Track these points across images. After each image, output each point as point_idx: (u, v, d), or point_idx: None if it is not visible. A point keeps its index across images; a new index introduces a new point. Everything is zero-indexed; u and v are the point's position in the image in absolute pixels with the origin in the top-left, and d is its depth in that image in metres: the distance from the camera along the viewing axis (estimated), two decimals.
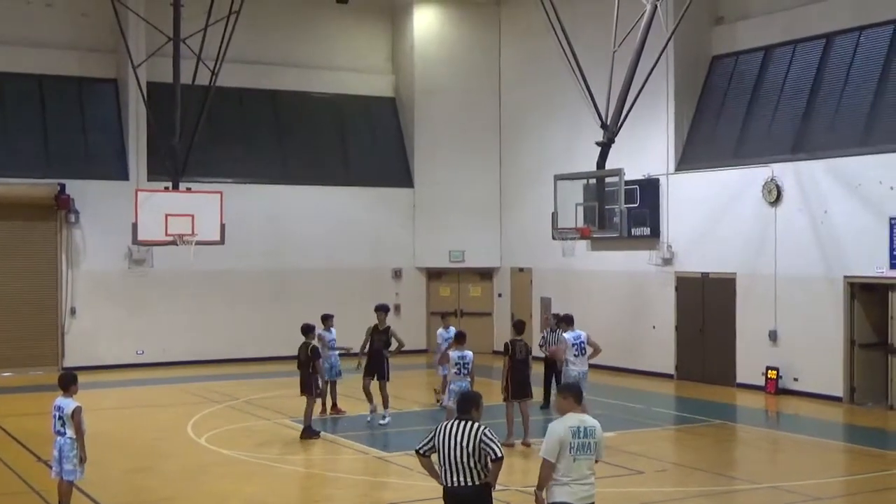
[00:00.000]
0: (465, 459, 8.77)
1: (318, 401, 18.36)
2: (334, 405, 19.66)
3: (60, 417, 11.94)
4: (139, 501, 13.49)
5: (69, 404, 11.93)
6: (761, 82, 23.35)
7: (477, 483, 8.80)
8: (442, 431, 8.92)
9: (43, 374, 24.34)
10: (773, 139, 22.58)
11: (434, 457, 9.02)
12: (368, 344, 18.69)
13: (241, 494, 13.66)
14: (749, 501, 13.80)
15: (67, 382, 12.15)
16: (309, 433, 17.19)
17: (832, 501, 13.61)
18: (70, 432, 11.89)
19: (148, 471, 15.21)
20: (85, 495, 13.02)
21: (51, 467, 12.31)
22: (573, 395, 8.96)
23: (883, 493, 13.99)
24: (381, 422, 18.43)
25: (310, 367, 17.39)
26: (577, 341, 17.62)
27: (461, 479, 8.79)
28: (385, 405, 18.53)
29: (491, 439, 8.84)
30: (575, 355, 17.56)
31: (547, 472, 8.63)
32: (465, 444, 8.77)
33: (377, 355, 18.61)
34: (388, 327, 18.97)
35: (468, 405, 9.09)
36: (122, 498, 13.54)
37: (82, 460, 11.98)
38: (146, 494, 13.80)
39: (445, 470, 8.85)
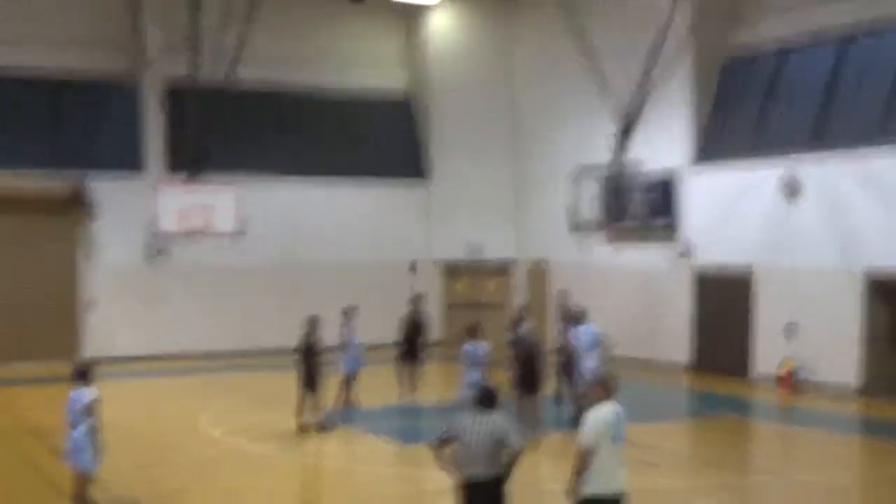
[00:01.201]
0: (488, 450, 8.82)
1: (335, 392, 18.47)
2: (351, 398, 19.64)
3: (75, 409, 11.98)
4: (153, 493, 13.51)
5: (84, 395, 11.95)
6: (779, 77, 23.21)
7: (496, 474, 8.86)
8: (463, 423, 8.97)
9: (61, 366, 24.43)
10: (791, 132, 22.45)
11: (448, 449, 9.04)
12: (404, 332, 19.94)
13: (256, 487, 13.69)
14: (764, 494, 13.75)
15: (83, 373, 12.18)
16: (323, 426, 17.20)
17: (847, 494, 13.56)
18: (85, 423, 11.92)
19: (162, 463, 15.27)
20: (98, 485, 13.06)
21: (66, 459, 12.35)
22: (603, 386, 9.05)
23: None
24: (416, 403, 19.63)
25: (311, 360, 17.31)
26: (593, 336, 17.66)
27: (482, 470, 8.84)
28: (415, 388, 19.82)
29: (512, 431, 8.95)
30: (589, 349, 17.57)
31: (586, 460, 8.67)
32: (487, 435, 8.83)
33: (412, 342, 19.86)
34: (423, 316, 20.25)
35: (488, 398, 9.16)
36: (136, 489, 13.56)
37: (98, 451, 12.03)
38: (160, 486, 13.83)
39: (465, 460, 8.88)
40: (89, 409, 11.87)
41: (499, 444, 8.85)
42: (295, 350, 17.42)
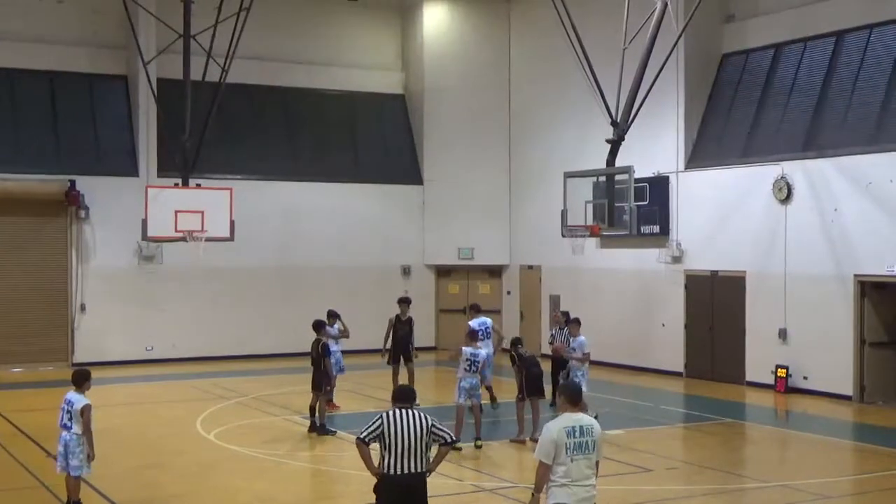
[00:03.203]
0: (421, 446, 8.99)
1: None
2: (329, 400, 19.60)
3: (69, 412, 11.98)
4: (148, 498, 13.49)
5: (79, 400, 11.97)
6: (772, 80, 23.29)
7: (423, 470, 9.05)
8: (393, 420, 9.04)
9: (53, 370, 24.41)
10: (783, 137, 22.52)
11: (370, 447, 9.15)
12: (392, 333, 19.99)
13: (251, 491, 13.67)
14: (758, 500, 13.77)
15: (81, 379, 12.20)
16: (323, 430, 17.21)
17: (841, 500, 13.59)
18: (77, 428, 11.93)
19: (157, 467, 15.22)
20: (94, 490, 13.06)
21: (58, 462, 12.32)
22: (565, 395, 8.96)
23: (893, 493, 13.94)
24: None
25: (320, 364, 17.44)
26: (483, 327, 18.69)
27: (413, 465, 8.97)
28: (411, 382, 19.57)
29: (441, 425, 9.22)
30: (480, 339, 18.10)
31: (542, 474, 8.57)
32: (420, 431, 9.00)
33: (402, 343, 19.98)
34: (410, 318, 20.25)
35: (410, 395, 9.45)
36: (131, 494, 13.54)
37: (90, 457, 12.02)
38: (155, 490, 13.80)
39: (397, 457, 8.95)
40: (81, 415, 11.87)
41: (431, 438, 9.05)
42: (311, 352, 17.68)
